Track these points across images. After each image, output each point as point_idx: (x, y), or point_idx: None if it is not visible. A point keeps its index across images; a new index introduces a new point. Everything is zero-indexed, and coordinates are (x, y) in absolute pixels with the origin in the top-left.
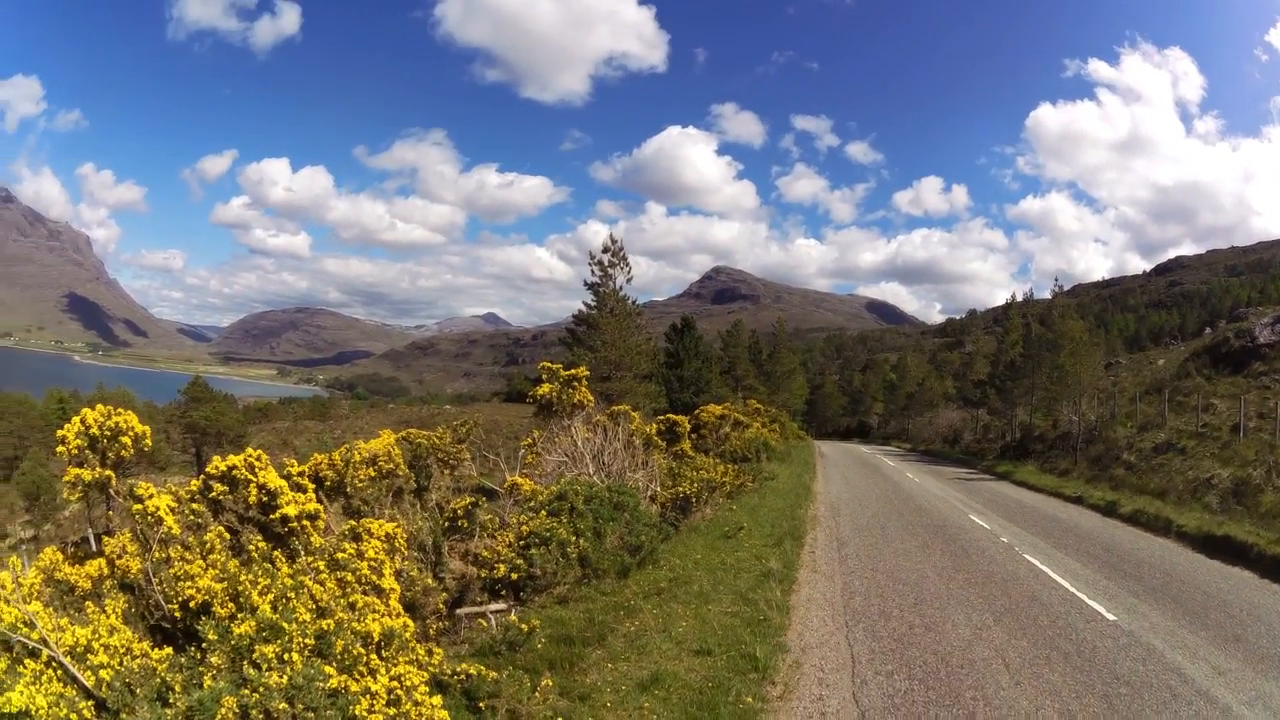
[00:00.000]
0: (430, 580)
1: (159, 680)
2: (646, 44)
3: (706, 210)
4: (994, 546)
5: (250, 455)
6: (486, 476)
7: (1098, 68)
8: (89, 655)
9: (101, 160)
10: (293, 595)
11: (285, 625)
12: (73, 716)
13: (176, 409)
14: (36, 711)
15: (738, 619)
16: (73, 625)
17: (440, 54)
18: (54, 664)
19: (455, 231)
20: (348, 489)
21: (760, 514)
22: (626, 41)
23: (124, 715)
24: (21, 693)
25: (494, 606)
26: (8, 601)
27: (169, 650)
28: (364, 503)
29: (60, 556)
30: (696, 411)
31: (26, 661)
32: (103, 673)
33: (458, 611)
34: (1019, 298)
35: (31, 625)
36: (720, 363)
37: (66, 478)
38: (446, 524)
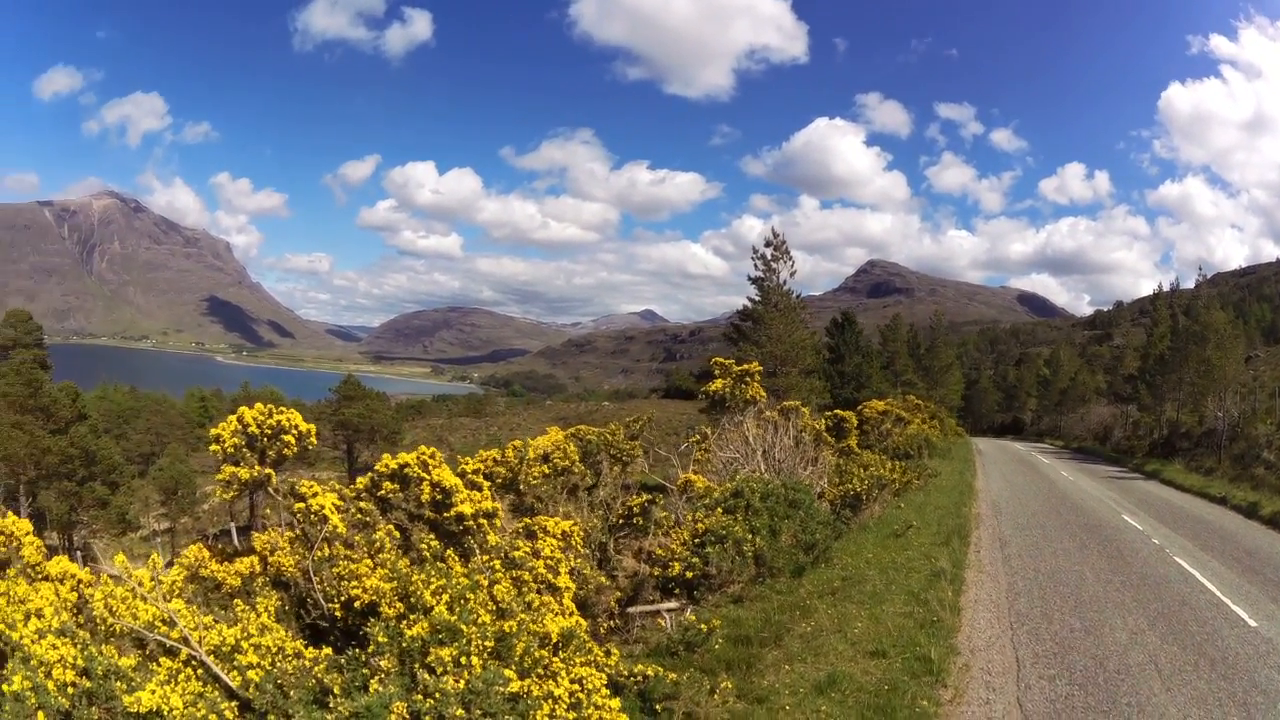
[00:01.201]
0: (603, 578)
1: (314, 682)
2: (786, 35)
3: (859, 203)
4: (1146, 548)
5: (424, 453)
6: (655, 472)
7: (1219, 43)
8: (236, 655)
9: (237, 169)
10: (471, 596)
11: (463, 627)
12: (212, 717)
13: (327, 406)
14: (170, 712)
15: (911, 620)
16: (219, 623)
17: (580, 54)
18: (194, 663)
19: (609, 229)
20: (520, 486)
21: (927, 512)
22: (766, 34)
23: (271, 717)
24: (153, 692)
25: (668, 605)
26: (144, 599)
27: (327, 650)
28: (537, 499)
29: (206, 553)
30: (860, 407)
31: (162, 659)
32: (251, 673)
33: (630, 610)
34: (1164, 288)
35: (171, 623)
36: (879, 358)
37: (220, 475)
38: (620, 521)
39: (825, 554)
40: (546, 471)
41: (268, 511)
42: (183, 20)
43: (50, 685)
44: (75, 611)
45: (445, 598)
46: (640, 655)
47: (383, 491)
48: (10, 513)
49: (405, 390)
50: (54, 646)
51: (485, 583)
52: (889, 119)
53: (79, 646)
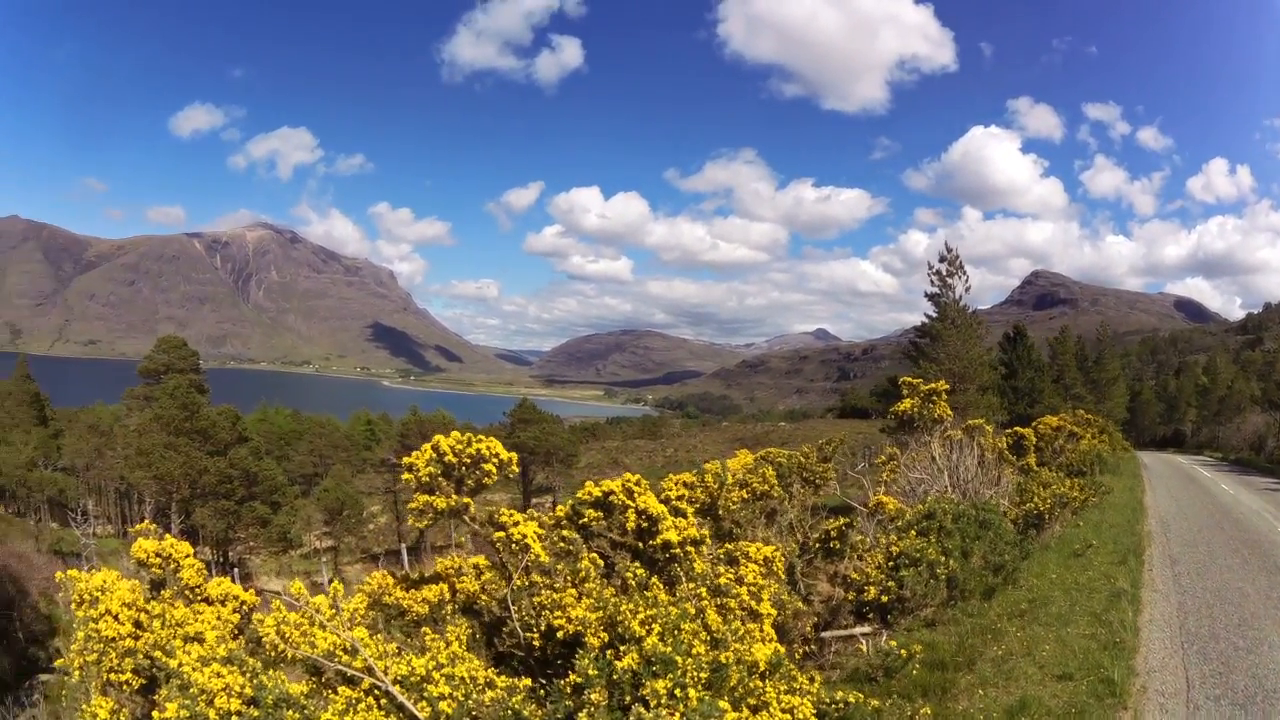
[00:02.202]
0: (800, 604)
1: (510, 713)
2: (933, 43)
3: (1019, 212)
4: None
5: (629, 480)
6: (838, 493)
7: None
8: (427, 685)
9: (396, 199)
10: (686, 625)
11: (678, 658)
12: None
13: (501, 429)
14: None
15: (1094, 641)
16: (406, 652)
17: (733, 73)
18: (376, 693)
19: (778, 249)
20: (719, 510)
21: (1103, 530)
22: (914, 43)
23: None
24: None
25: (861, 630)
26: (323, 626)
27: (527, 681)
28: (735, 524)
29: (390, 580)
30: (1035, 423)
31: (341, 689)
32: (443, 705)
33: (824, 635)
34: None
35: (353, 651)
36: (1049, 371)
37: (413, 505)
38: (816, 545)
39: (1012, 575)
40: (745, 496)
41: (461, 539)
42: (321, 59)
43: (211, 714)
44: (236, 633)
45: (656, 627)
46: (837, 681)
47: (585, 519)
48: (167, 534)
49: (578, 413)
50: (218, 674)
51: (693, 611)
52: (1040, 123)
53: (247, 674)
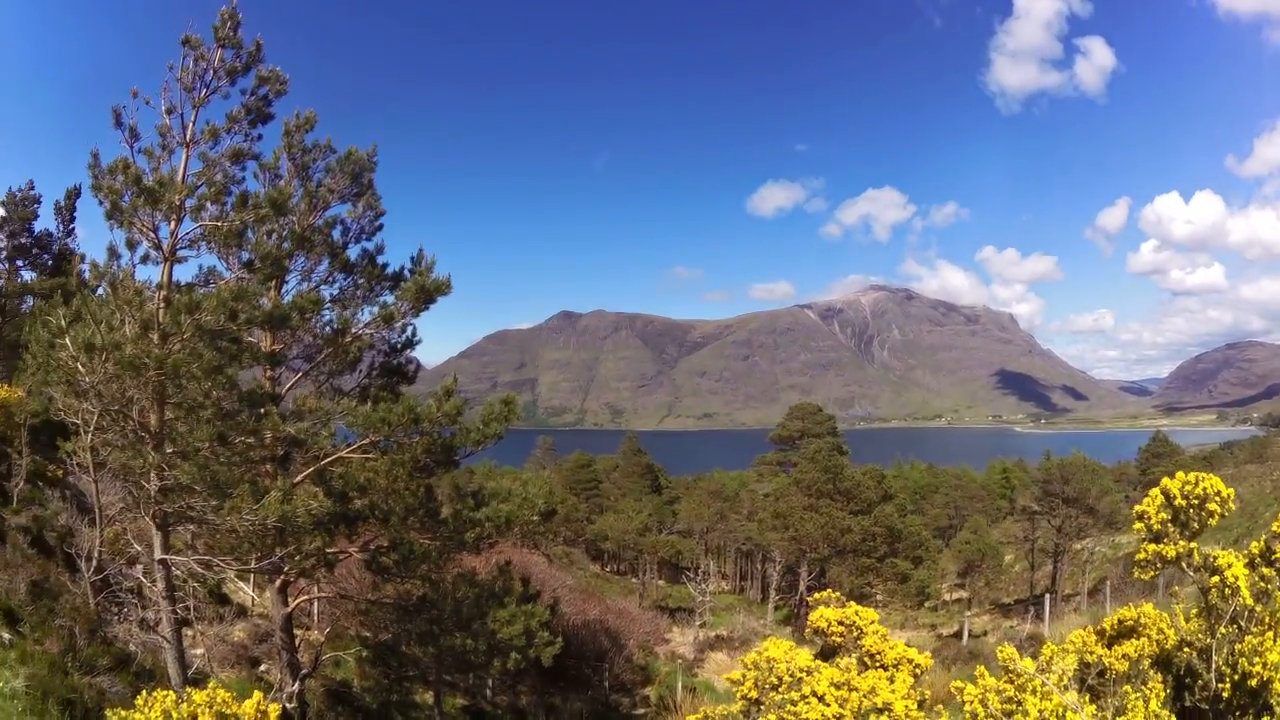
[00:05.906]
0: None
1: None
2: None
3: None
4: None
5: None
6: None
7: None
8: None
9: (999, 241)
10: None
11: None
12: None
13: (1131, 467)
14: None
15: None
16: (1105, 713)
17: (1233, 34)
18: None
19: None
20: None
21: None
22: None
23: None
24: None
25: None
26: (1034, 692)
27: None
28: None
29: (1092, 637)
30: None
31: None
32: None
33: None
34: None
35: (1062, 716)
36: None
37: (1141, 555)
38: None
39: None
40: None
41: (1175, 590)
42: (877, 119)
43: None
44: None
45: None
46: None
47: (1276, 555)
48: (851, 602)
49: (1193, 440)
50: None
51: None
52: None
53: None
